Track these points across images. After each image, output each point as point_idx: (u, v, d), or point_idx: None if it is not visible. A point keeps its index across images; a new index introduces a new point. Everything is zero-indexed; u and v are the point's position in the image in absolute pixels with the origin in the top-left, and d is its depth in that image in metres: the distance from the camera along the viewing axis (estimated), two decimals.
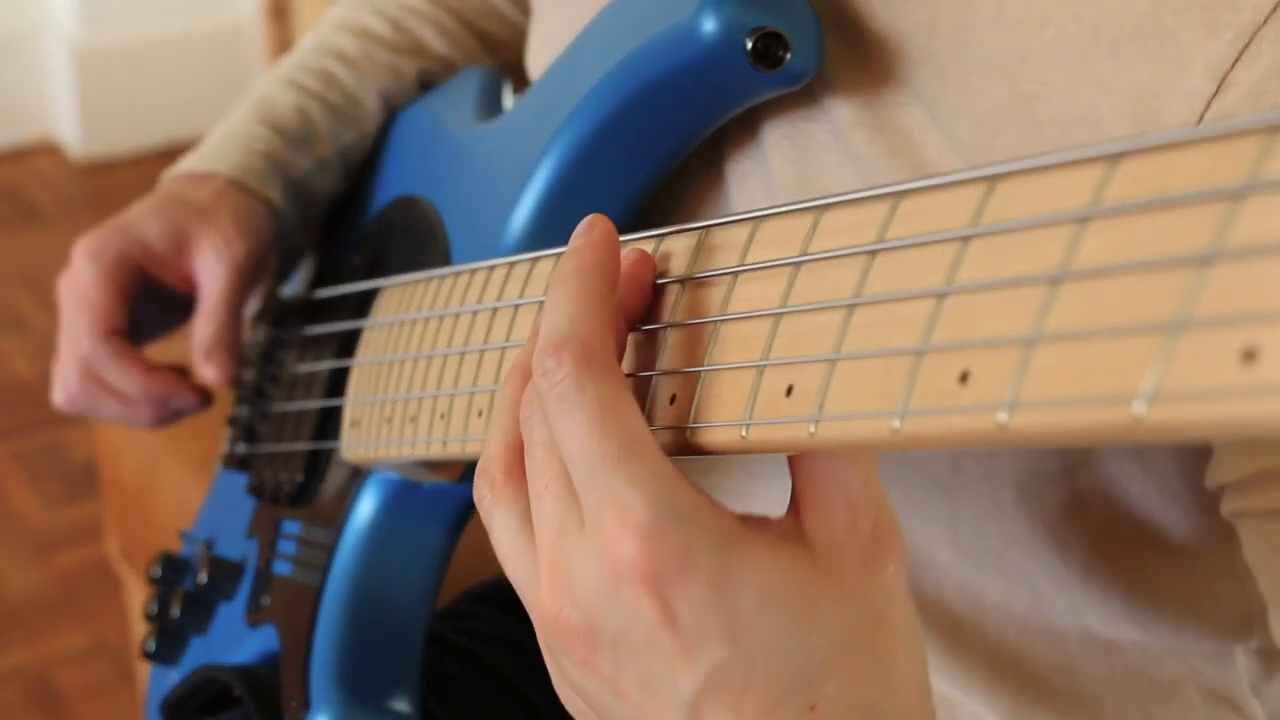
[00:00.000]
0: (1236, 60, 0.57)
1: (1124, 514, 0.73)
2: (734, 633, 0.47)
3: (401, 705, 0.85)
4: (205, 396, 0.99)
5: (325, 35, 1.04)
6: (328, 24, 1.05)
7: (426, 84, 1.03)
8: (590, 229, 0.56)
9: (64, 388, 0.97)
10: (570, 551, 0.49)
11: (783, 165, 0.71)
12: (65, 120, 3.26)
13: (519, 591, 0.54)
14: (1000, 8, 0.63)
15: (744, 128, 0.73)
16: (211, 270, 0.93)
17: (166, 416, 0.99)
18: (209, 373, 0.94)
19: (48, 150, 3.29)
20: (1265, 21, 0.56)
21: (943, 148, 0.65)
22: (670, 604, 0.47)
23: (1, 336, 2.70)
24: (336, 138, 1.00)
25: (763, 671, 0.47)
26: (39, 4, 3.29)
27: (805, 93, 0.70)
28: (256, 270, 0.96)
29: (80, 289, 0.94)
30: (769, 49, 0.67)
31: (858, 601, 0.49)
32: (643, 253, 0.57)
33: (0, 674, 2.03)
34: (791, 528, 0.50)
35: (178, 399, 0.97)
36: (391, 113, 1.02)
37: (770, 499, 0.79)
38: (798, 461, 0.51)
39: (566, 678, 0.52)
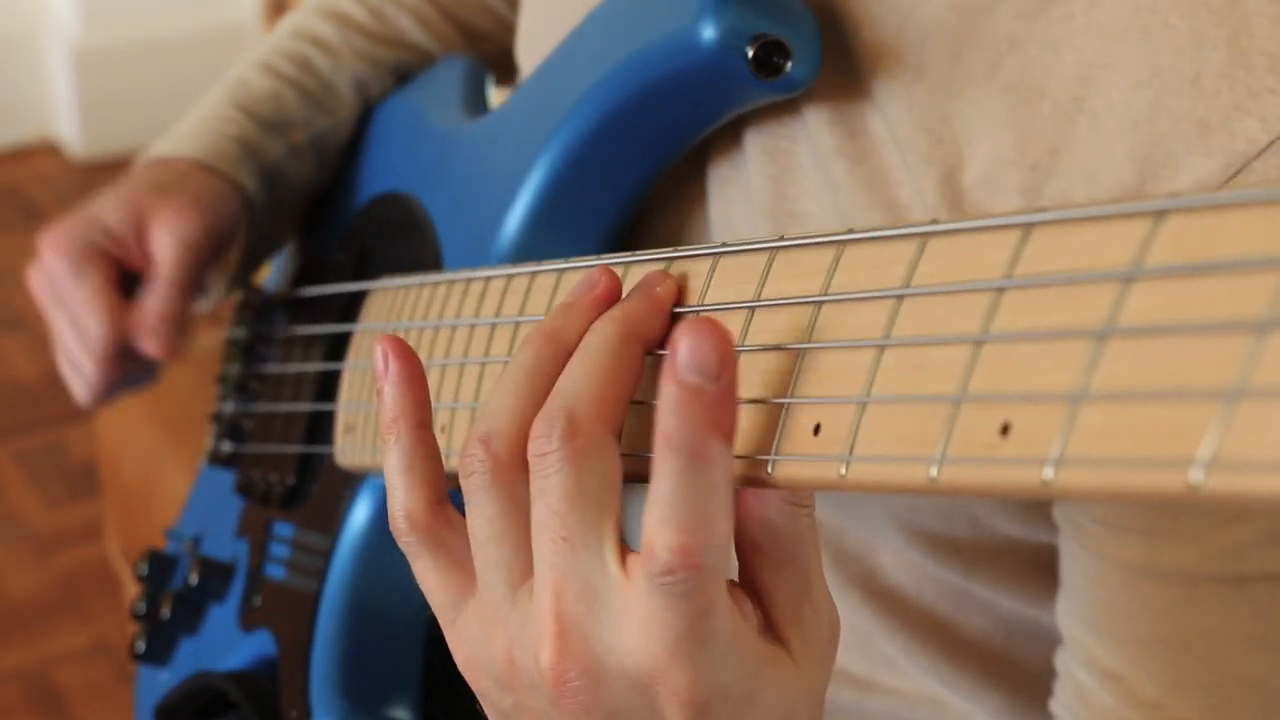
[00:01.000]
0: (1224, 186, 0.56)
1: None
2: None
3: (403, 713, 0.84)
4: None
5: (304, 19, 1.03)
6: (308, 7, 1.04)
7: (403, 75, 1.02)
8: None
9: (85, 383, 0.95)
10: (595, 619, 0.49)
11: (761, 180, 0.70)
12: (65, 120, 3.25)
13: (484, 585, 0.53)
14: (993, 69, 0.62)
15: (728, 134, 0.73)
16: (162, 243, 0.92)
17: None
18: (150, 345, 0.91)
19: (48, 150, 3.28)
20: (1259, 155, 0.56)
21: (914, 192, 0.64)
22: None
23: (1, 336, 2.69)
24: (310, 124, 0.99)
25: None
26: (39, 3, 3.28)
27: (792, 109, 0.70)
28: (213, 248, 0.94)
29: (62, 287, 0.92)
30: (769, 57, 0.66)
31: (818, 698, 0.52)
32: (669, 279, 0.56)
33: (0, 674, 2.03)
34: (764, 624, 0.51)
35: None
36: (365, 101, 1.01)
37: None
38: (756, 565, 0.52)
39: (527, 701, 0.53)
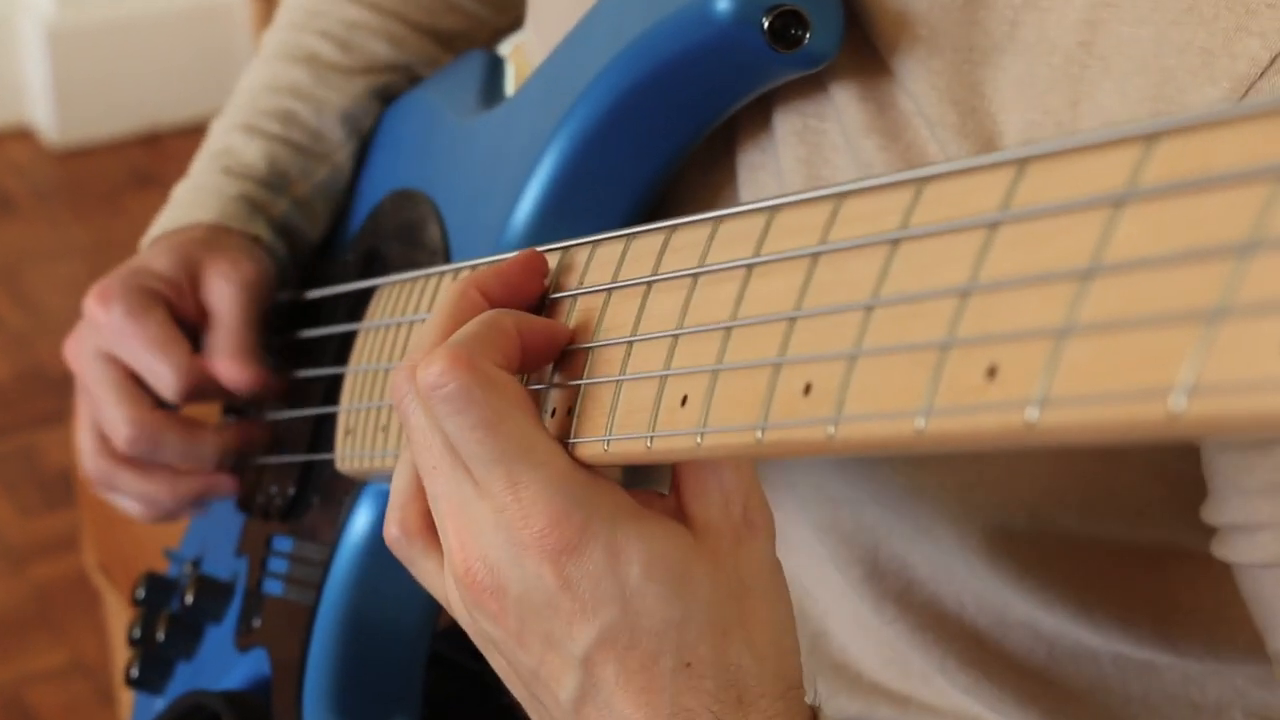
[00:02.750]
0: None
1: (1146, 535, 0.73)
2: (623, 598, 0.57)
3: None
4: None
5: (274, 70, 1.03)
6: (272, 55, 1.05)
7: (388, 98, 1.03)
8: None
9: (130, 428, 0.92)
10: (475, 519, 0.59)
11: (793, 163, 0.72)
12: (40, 105, 3.26)
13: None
14: (1013, 27, 0.64)
15: (757, 118, 0.74)
16: (221, 291, 0.93)
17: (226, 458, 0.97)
18: (235, 373, 0.92)
19: (22, 136, 3.29)
20: (1261, 75, 0.58)
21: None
22: (568, 572, 0.57)
23: None
24: (309, 176, 1.00)
25: (646, 632, 0.57)
26: None
27: (819, 88, 0.71)
28: (266, 297, 0.96)
29: (116, 338, 0.92)
30: (787, 28, 0.68)
31: (728, 575, 0.59)
32: (532, 254, 0.65)
33: None
34: (673, 507, 0.60)
35: (273, 394, 0.96)
36: (359, 136, 1.02)
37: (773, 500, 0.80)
38: None
39: (478, 627, 0.62)
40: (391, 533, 0.65)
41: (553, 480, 0.57)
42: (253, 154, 0.99)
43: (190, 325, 0.94)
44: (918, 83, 0.67)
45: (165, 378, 0.91)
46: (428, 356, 0.58)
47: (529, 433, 0.58)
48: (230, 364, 0.92)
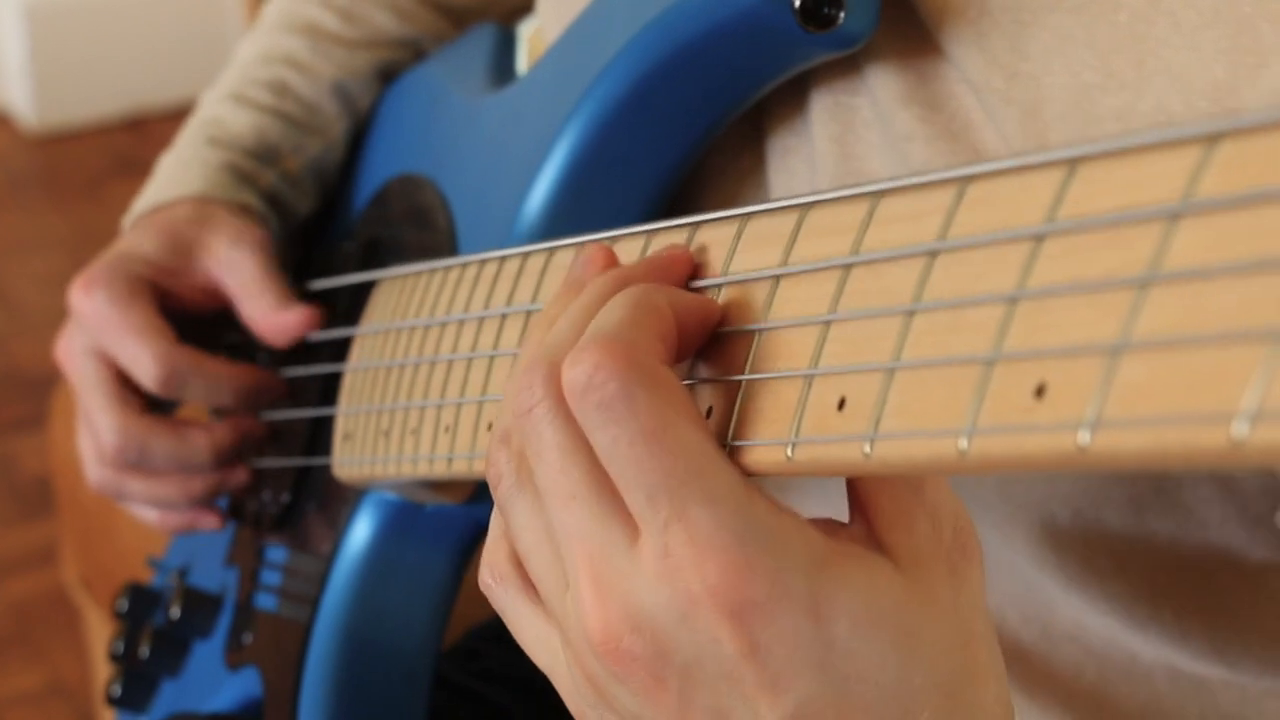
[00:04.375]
0: None
1: (1197, 538, 0.73)
2: (826, 663, 0.49)
3: None
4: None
5: (270, 39, 1.04)
6: (270, 24, 1.05)
7: (389, 75, 1.03)
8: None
9: (115, 436, 0.93)
10: (623, 570, 0.51)
11: (825, 143, 0.72)
12: (17, 87, 3.27)
13: (546, 601, 0.55)
14: None
15: (790, 99, 0.74)
16: (235, 258, 0.94)
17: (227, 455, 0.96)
18: (292, 318, 0.92)
19: None
20: None
21: (999, 137, 0.66)
22: (756, 635, 0.49)
23: None
24: (301, 151, 1.01)
25: (857, 703, 0.49)
26: None
27: (851, 62, 0.71)
28: (277, 259, 0.96)
29: (103, 328, 0.92)
30: (819, 7, 0.68)
31: (950, 619, 0.51)
32: (680, 250, 0.58)
33: None
34: (863, 535, 0.52)
35: (268, 393, 0.96)
36: (354, 114, 1.03)
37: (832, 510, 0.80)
38: None
39: (611, 702, 0.53)
40: (487, 577, 0.58)
41: (734, 514, 0.49)
42: (241, 124, 1.00)
43: (187, 310, 0.95)
44: (965, 49, 0.67)
45: (145, 366, 0.91)
46: (574, 350, 0.50)
47: (702, 449, 0.49)
48: (280, 317, 0.92)
